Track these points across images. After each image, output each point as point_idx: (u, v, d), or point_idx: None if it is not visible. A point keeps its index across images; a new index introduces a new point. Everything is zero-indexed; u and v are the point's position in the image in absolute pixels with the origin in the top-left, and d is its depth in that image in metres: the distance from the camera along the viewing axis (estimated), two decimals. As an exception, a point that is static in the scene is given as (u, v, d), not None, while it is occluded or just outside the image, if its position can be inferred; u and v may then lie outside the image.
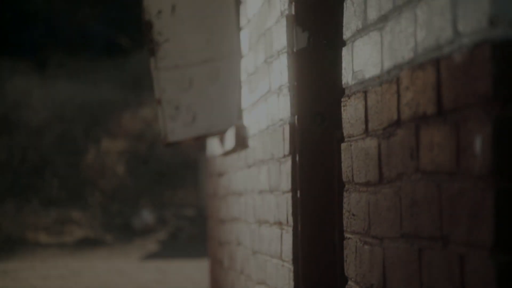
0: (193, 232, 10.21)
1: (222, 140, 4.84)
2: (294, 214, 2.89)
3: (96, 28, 13.90)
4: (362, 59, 2.13)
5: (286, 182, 2.99)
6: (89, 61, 13.54)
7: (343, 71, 2.32)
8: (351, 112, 2.24)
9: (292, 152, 2.92)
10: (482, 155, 1.39)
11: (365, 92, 2.09)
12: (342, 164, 2.33)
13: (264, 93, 3.40)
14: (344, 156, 2.31)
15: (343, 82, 2.32)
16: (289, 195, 2.92)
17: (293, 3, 2.80)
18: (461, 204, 1.47)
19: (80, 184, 11.03)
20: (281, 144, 3.05)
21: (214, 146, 5.34)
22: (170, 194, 11.25)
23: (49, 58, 13.13)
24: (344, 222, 2.29)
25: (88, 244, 9.79)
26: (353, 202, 2.22)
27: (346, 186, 2.29)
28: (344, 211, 2.31)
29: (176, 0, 4.53)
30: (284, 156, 3.02)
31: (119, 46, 13.74)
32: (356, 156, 2.19)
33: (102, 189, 11.17)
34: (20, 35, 13.29)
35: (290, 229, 2.90)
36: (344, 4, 2.29)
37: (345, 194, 2.30)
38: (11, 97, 11.99)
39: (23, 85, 12.29)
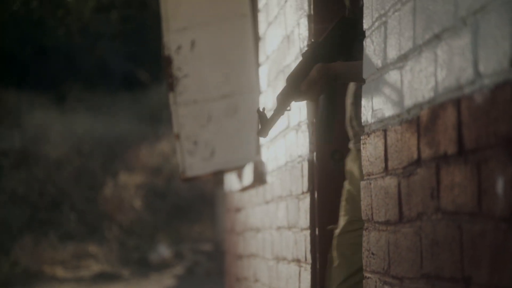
0: (210, 267, 10.17)
1: (240, 175, 4.84)
2: (312, 251, 2.87)
3: (115, 62, 14.01)
4: (382, 98, 2.13)
5: (304, 219, 2.98)
6: (108, 95, 13.63)
7: (362, 109, 2.32)
8: (370, 150, 2.23)
9: (311, 189, 2.91)
10: (504, 196, 1.38)
11: (385, 131, 2.09)
12: (362, 202, 2.32)
13: (283, 129, 3.40)
14: (363, 194, 2.30)
15: (362, 120, 2.31)
16: (308, 233, 2.91)
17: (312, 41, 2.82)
18: (483, 246, 1.46)
19: (97, 218, 11.05)
20: (300, 181, 3.05)
21: (232, 181, 5.33)
22: (187, 229, 11.24)
23: (68, 92, 13.23)
24: (364, 261, 2.28)
25: (105, 278, 9.78)
26: (372, 241, 2.21)
27: (366, 224, 2.28)
28: (363, 250, 2.29)
29: (195, 35, 4.56)
30: (303, 193, 3.01)
31: (137, 80, 13.83)
32: (375, 194, 2.18)
33: (119, 223, 11.18)
34: (40, 69, 13.41)
35: (309, 267, 2.88)
36: (364, 43, 2.29)
37: (364, 232, 2.29)
38: (30, 130, 12.07)
39: (42, 118, 12.38)
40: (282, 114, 2.41)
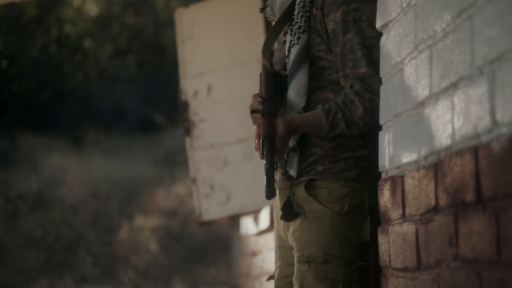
0: (226, 310, 10.11)
1: (256, 219, 4.84)
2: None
3: (131, 106, 14.12)
4: (399, 144, 2.14)
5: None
6: (124, 138, 13.71)
7: (379, 154, 2.33)
8: (387, 196, 2.24)
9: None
10: (523, 245, 1.38)
11: (402, 177, 2.09)
12: (379, 248, 2.32)
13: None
14: (381, 240, 2.30)
15: (379, 166, 2.32)
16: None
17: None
18: (503, 295, 1.46)
19: (112, 261, 11.04)
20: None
21: (248, 225, 5.33)
22: (202, 272, 11.21)
23: (85, 135, 13.31)
24: (382, 308, 2.27)
25: (120, 322, 9.74)
26: (390, 287, 2.20)
27: (383, 271, 2.28)
28: (381, 296, 2.29)
29: (212, 80, 4.60)
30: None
31: (154, 123, 13.91)
32: (393, 240, 2.18)
33: (134, 266, 11.16)
34: (57, 113, 13.53)
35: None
36: (381, 89, 2.31)
37: (382, 279, 2.28)
38: (47, 174, 12.13)
39: (58, 162, 12.44)
40: (273, 174, 2.37)
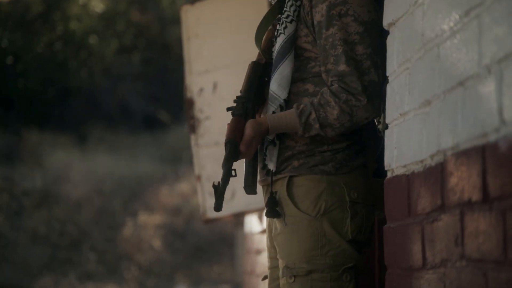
0: (229, 308, 10.11)
1: (260, 217, 4.83)
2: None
3: (136, 103, 14.13)
4: (405, 143, 2.13)
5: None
6: (129, 136, 13.72)
7: (385, 153, 2.32)
8: (393, 195, 2.23)
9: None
10: (530, 244, 1.38)
11: (408, 176, 2.09)
12: (384, 247, 2.32)
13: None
14: (386, 238, 2.30)
15: (385, 164, 2.32)
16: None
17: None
18: (509, 294, 1.45)
19: (116, 258, 11.05)
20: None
21: (252, 223, 5.33)
22: (206, 270, 11.21)
23: (90, 132, 13.32)
24: (387, 307, 2.27)
25: (123, 319, 9.75)
26: (395, 286, 2.20)
27: (389, 269, 2.27)
28: (386, 295, 2.28)
29: (217, 78, 4.60)
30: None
31: (158, 120, 13.92)
32: (398, 239, 2.18)
33: (138, 263, 11.17)
34: (62, 110, 13.54)
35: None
36: (388, 87, 2.31)
37: (387, 277, 2.28)
38: (51, 170, 12.14)
39: (63, 159, 12.45)
40: (228, 180, 2.32)
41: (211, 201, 4.61)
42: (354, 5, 2.33)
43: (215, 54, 4.60)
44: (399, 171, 2.17)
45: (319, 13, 2.35)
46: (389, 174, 2.28)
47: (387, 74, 2.31)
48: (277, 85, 2.39)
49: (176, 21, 11.89)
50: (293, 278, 2.37)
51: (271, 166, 2.41)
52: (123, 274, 11.16)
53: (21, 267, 10.76)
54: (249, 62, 2.54)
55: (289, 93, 2.41)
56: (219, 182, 2.30)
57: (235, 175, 2.34)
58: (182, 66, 4.74)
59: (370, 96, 2.30)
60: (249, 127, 2.36)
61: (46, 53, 12.95)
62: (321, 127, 2.32)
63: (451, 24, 1.78)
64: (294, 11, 2.40)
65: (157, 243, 11.96)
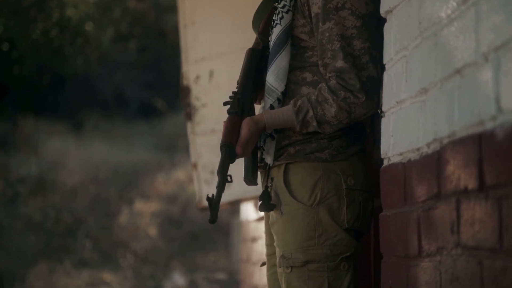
0: (225, 296, 10.13)
1: (256, 205, 4.84)
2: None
3: (132, 91, 14.10)
4: (401, 131, 2.13)
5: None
6: (125, 123, 13.71)
7: (381, 141, 2.32)
8: (389, 183, 2.23)
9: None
10: (525, 232, 1.38)
11: (404, 164, 2.09)
12: (380, 235, 2.32)
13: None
14: (382, 226, 2.30)
15: (381, 152, 2.32)
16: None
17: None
18: (504, 282, 1.46)
19: (112, 246, 11.05)
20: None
21: (248, 211, 5.33)
22: (202, 257, 11.22)
23: (85, 119, 13.30)
24: (382, 294, 2.27)
25: (119, 306, 9.76)
26: (391, 274, 2.20)
27: (384, 257, 2.27)
28: (381, 282, 2.29)
29: (214, 66, 4.59)
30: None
31: (154, 108, 13.90)
32: (394, 227, 2.18)
33: (134, 251, 11.18)
34: (58, 97, 13.51)
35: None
36: (384, 75, 2.30)
37: (383, 265, 2.28)
38: (47, 158, 12.13)
39: (59, 146, 12.44)
40: (224, 187, 2.27)
41: (207, 189, 4.62)
42: None
43: (212, 41, 4.59)
44: (395, 159, 2.17)
45: (316, 4, 2.32)
46: (385, 162, 2.28)
47: (384, 62, 2.30)
48: (274, 77, 2.36)
49: (172, 8, 11.86)
50: (290, 268, 2.35)
51: (269, 160, 2.39)
52: (119, 261, 11.16)
53: (16, 254, 10.76)
54: (246, 49, 2.50)
55: (287, 82, 2.38)
56: (213, 195, 2.26)
57: (231, 181, 2.29)
58: (179, 54, 4.73)
59: (368, 92, 2.28)
60: (245, 127, 2.32)
61: (42, 40, 12.91)
62: (318, 124, 2.30)
63: (449, 11, 1.77)
64: (291, 0, 2.36)
65: (152, 231, 11.96)
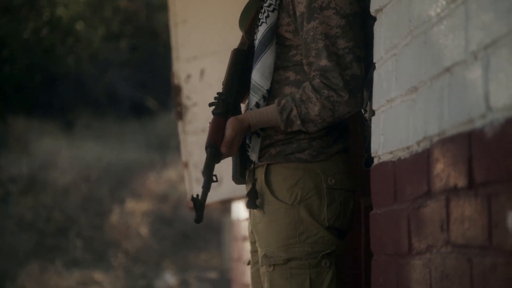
0: (216, 295, 10.13)
1: (247, 205, 4.83)
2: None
3: (124, 90, 14.09)
4: (391, 129, 2.14)
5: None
6: (116, 122, 13.69)
7: (372, 139, 2.33)
8: (379, 181, 2.24)
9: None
10: (514, 230, 1.38)
11: (394, 162, 2.09)
12: (371, 233, 2.32)
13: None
14: (372, 225, 2.31)
15: (372, 151, 2.32)
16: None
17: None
18: (494, 280, 1.46)
19: (103, 245, 11.04)
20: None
21: (239, 210, 5.34)
22: (193, 256, 11.21)
23: (77, 119, 13.28)
24: (372, 292, 2.28)
25: (110, 305, 9.75)
26: (381, 272, 2.21)
27: (375, 256, 2.28)
28: (372, 280, 2.29)
29: (205, 64, 4.59)
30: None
31: (146, 107, 13.89)
32: (384, 225, 2.18)
33: (125, 250, 11.17)
34: (49, 96, 13.48)
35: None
36: (374, 74, 2.31)
37: (373, 263, 2.29)
38: (38, 157, 12.11)
39: (50, 145, 12.42)
40: (209, 187, 2.32)
41: (198, 188, 4.61)
42: None
43: (203, 40, 4.59)
44: (386, 158, 2.17)
45: (302, 4, 2.34)
46: (375, 161, 2.29)
47: (374, 61, 2.31)
48: (260, 75, 2.38)
49: (164, 7, 11.84)
50: (272, 267, 2.37)
51: (254, 157, 2.41)
52: (110, 261, 11.15)
53: (8, 253, 10.73)
54: (231, 50, 2.52)
55: (271, 81, 2.39)
56: (197, 195, 2.29)
57: (217, 181, 2.33)
58: (170, 53, 4.72)
59: (351, 91, 2.30)
60: (229, 127, 2.35)
61: (33, 39, 12.88)
62: (302, 123, 2.33)
63: (438, 10, 1.78)
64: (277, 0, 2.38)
65: (144, 230, 11.95)
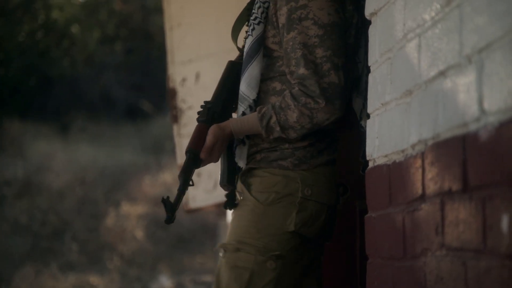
0: (212, 298, 10.12)
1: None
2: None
3: (119, 93, 14.08)
4: (386, 132, 2.14)
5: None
6: (111, 125, 13.69)
7: (367, 142, 2.33)
8: (374, 185, 2.24)
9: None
10: (509, 233, 1.39)
11: (389, 165, 2.09)
12: (365, 236, 2.33)
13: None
14: (367, 228, 2.31)
15: (367, 154, 2.33)
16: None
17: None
18: (488, 283, 1.46)
19: (99, 248, 11.03)
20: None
21: (234, 213, 5.33)
22: (188, 259, 11.21)
23: (72, 121, 13.27)
24: (367, 296, 2.28)
25: (105, 309, 9.73)
26: (376, 276, 2.21)
27: (370, 259, 2.28)
28: (367, 284, 2.29)
29: (200, 68, 4.59)
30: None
31: (141, 110, 13.89)
32: (379, 228, 2.18)
33: (120, 253, 11.16)
34: (44, 99, 13.47)
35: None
36: (369, 77, 2.31)
37: (368, 267, 2.29)
38: (33, 160, 12.09)
39: (45, 148, 12.41)
40: (186, 190, 2.41)
41: (193, 191, 4.62)
42: (314, 8, 2.36)
43: (198, 43, 4.60)
44: (380, 161, 2.17)
45: (283, 15, 2.41)
46: (370, 164, 2.29)
47: (369, 64, 2.31)
48: (246, 86, 2.45)
49: (159, 10, 11.84)
50: (224, 252, 2.45)
51: (241, 164, 2.49)
52: (106, 264, 11.13)
53: (2, 257, 10.71)
54: (232, 51, 2.60)
55: (259, 92, 2.46)
56: (168, 196, 2.37)
57: (193, 185, 2.42)
58: (165, 56, 4.72)
59: (329, 98, 2.34)
60: (210, 133, 2.43)
61: (28, 42, 12.87)
62: (282, 129, 2.38)
63: (432, 13, 1.78)
64: (262, 13, 2.45)
65: (139, 233, 11.94)
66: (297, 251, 2.43)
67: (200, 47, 4.57)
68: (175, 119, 4.59)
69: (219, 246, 2.46)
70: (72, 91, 13.88)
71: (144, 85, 14.13)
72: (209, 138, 2.41)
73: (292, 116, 2.36)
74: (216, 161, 2.47)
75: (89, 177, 12.36)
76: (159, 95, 13.53)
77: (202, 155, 2.41)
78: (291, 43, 2.37)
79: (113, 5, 13.80)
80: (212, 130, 2.42)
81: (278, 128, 2.38)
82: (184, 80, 4.57)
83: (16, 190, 11.78)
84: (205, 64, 4.57)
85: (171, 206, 2.35)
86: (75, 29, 13.15)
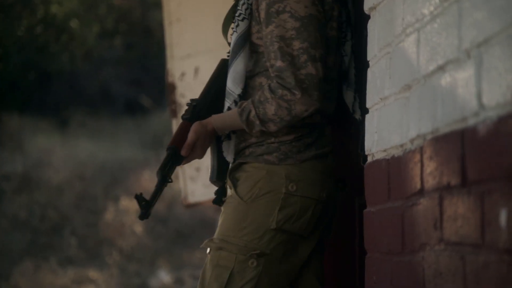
0: (211, 293, 10.13)
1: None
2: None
3: (118, 88, 14.07)
4: (385, 127, 2.14)
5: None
6: (110, 120, 13.68)
7: (366, 137, 2.33)
8: (373, 179, 2.24)
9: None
10: (507, 228, 1.39)
11: (388, 160, 2.10)
12: (364, 231, 2.33)
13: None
14: (366, 223, 2.31)
15: (365, 149, 2.33)
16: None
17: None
18: (487, 277, 1.46)
19: (98, 243, 11.03)
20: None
21: (233, 208, 5.33)
22: (188, 254, 11.21)
23: (71, 117, 13.26)
24: (366, 290, 2.28)
25: (104, 304, 9.74)
26: (375, 270, 2.21)
27: (368, 253, 2.28)
28: (366, 278, 2.30)
29: (199, 62, 4.59)
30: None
31: (140, 105, 13.88)
32: (378, 223, 2.19)
33: (120, 248, 11.16)
34: (43, 94, 13.46)
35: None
36: (368, 72, 2.31)
37: (367, 261, 2.29)
38: (32, 155, 12.09)
39: (44, 144, 12.40)
40: (164, 187, 2.43)
41: (192, 185, 4.62)
42: (291, 1, 2.38)
43: (197, 38, 4.59)
44: (379, 156, 2.17)
45: (263, 10, 2.43)
46: (369, 159, 2.29)
47: (368, 59, 2.31)
48: (232, 81, 2.47)
49: (158, 5, 11.83)
50: (208, 250, 2.47)
51: (229, 159, 2.51)
52: (105, 259, 11.14)
53: (1, 252, 10.71)
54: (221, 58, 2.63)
55: (247, 87, 2.48)
56: (141, 193, 2.39)
57: (171, 181, 2.44)
58: (164, 51, 4.72)
59: (305, 89, 2.35)
60: (192, 131, 2.44)
61: (27, 37, 12.86)
62: (261, 123, 2.39)
63: (431, 8, 1.78)
64: (246, 9, 2.47)
65: (138, 228, 11.94)
66: (285, 247, 2.42)
67: (199, 42, 4.57)
68: (174, 114, 4.59)
69: (204, 244, 2.47)
70: (71, 86, 13.87)
71: (143, 80, 14.12)
72: (190, 135, 2.43)
73: (270, 109, 2.37)
74: (200, 157, 2.49)
75: (88, 172, 12.36)
76: (158, 90, 13.53)
77: (183, 152, 2.44)
78: (269, 36, 2.39)
79: (112, 0, 13.78)
80: (194, 127, 2.44)
81: (258, 122, 2.39)
82: (183, 75, 4.57)
83: (15, 185, 11.78)
84: (204, 59, 4.57)
85: (146, 202, 2.37)
86: (74, 24, 13.13)
